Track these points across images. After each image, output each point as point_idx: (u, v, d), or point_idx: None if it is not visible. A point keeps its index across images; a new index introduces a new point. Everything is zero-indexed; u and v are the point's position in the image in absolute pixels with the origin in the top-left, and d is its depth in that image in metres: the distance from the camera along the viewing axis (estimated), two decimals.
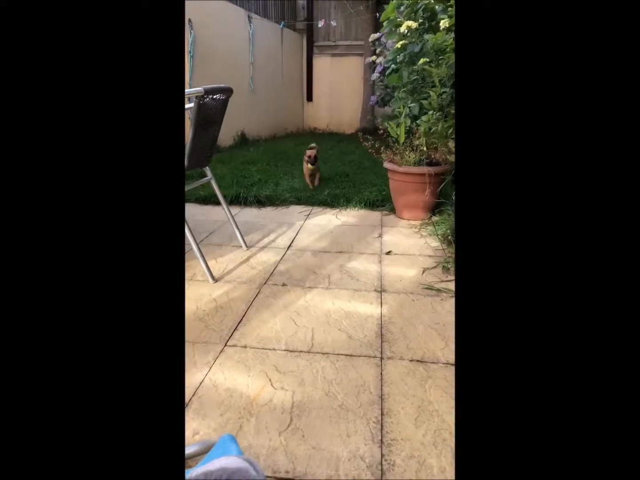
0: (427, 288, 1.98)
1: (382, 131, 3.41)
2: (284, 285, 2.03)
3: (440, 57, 2.91)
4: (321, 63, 9.17)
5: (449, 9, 2.90)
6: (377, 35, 5.08)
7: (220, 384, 1.31)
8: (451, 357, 1.44)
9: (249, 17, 6.76)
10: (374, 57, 4.36)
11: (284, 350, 1.50)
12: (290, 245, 2.58)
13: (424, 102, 3.05)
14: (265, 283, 2.05)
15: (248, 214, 3.25)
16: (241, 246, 2.50)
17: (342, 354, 1.47)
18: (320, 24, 7.96)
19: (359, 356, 1.46)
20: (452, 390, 1.27)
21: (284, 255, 2.42)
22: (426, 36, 3.04)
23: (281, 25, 7.95)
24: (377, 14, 7.02)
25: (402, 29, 3.12)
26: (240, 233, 2.51)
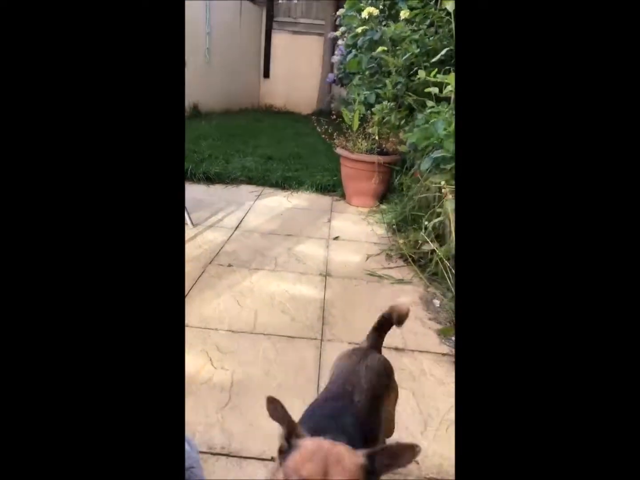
0: (369, 274, 2.05)
1: (335, 116, 3.42)
2: (229, 265, 2.02)
3: (397, 48, 2.95)
4: (280, 39, 8.95)
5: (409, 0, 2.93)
6: (344, 10, 4.80)
7: None
8: (389, 341, 1.52)
9: None
10: (338, 33, 4.10)
11: (227, 330, 1.51)
12: (238, 225, 2.56)
13: (379, 91, 3.09)
14: (210, 263, 2.03)
15: (196, 191, 3.16)
16: (187, 224, 2.45)
17: (284, 336, 1.50)
18: None
19: (300, 338, 1.50)
20: None
21: (231, 235, 2.40)
22: (385, 25, 3.06)
23: None
24: None
25: (364, 14, 3.11)
26: (187, 210, 2.45)
